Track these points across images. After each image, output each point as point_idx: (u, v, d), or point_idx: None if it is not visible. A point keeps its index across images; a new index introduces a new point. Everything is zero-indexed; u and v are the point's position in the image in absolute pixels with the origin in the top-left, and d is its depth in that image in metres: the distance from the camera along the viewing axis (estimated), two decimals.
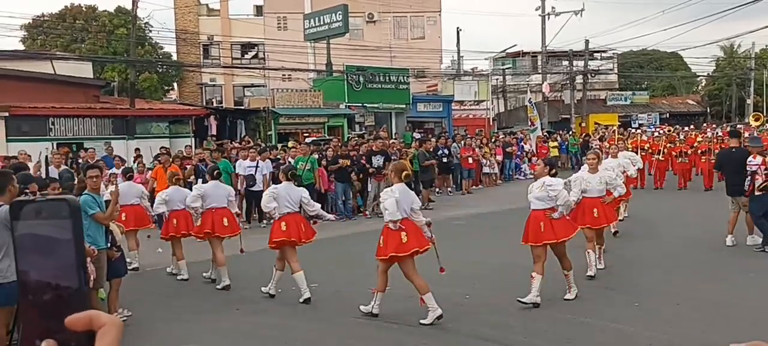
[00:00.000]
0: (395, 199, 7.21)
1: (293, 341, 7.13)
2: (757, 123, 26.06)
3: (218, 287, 9.22)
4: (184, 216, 10.00)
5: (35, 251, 0.82)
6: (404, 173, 7.50)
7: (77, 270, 0.82)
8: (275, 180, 15.50)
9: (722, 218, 11.38)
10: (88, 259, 6.44)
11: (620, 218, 12.10)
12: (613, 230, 11.28)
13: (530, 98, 28.39)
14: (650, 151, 21.23)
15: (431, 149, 19.91)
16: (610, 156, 12.63)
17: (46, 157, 13.47)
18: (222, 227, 9.42)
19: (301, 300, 8.24)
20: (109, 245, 7.35)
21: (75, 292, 0.82)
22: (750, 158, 10.51)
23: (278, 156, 16.53)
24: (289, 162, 16.21)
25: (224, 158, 16.35)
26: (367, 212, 17.01)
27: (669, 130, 25.37)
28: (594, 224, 9.18)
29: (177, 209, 10.00)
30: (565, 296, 7.99)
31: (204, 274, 9.87)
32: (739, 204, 10.91)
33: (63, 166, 13.61)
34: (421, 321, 7.18)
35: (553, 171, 8.05)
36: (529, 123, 26.89)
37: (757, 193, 10.28)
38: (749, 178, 10.46)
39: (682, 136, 24.34)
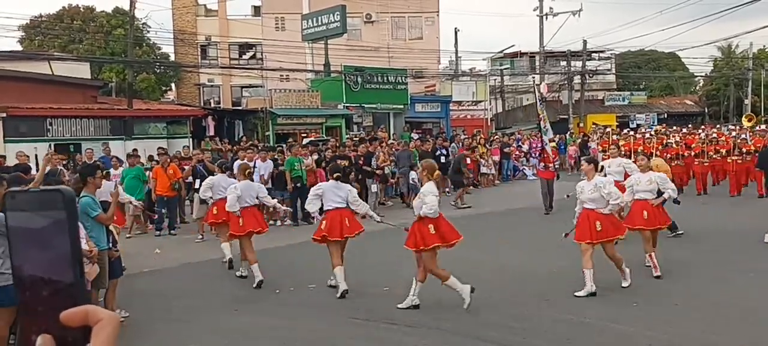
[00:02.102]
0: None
1: (293, 341, 7.11)
2: (750, 124, 26.09)
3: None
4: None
5: (29, 244, 0.79)
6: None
7: (72, 263, 0.79)
8: (273, 180, 15.56)
9: (720, 220, 11.41)
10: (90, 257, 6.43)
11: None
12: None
13: (540, 98, 27.97)
14: (642, 153, 20.88)
15: (430, 150, 19.92)
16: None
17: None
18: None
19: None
20: (110, 245, 7.34)
21: (70, 286, 0.79)
22: None
23: (276, 157, 16.49)
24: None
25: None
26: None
27: (658, 132, 24.83)
28: (646, 225, 9.13)
29: None
30: (621, 284, 8.40)
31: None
32: None
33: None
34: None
35: (602, 171, 8.76)
36: (541, 124, 26.50)
37: None
38: None
39: (678, 138, 23.82)
